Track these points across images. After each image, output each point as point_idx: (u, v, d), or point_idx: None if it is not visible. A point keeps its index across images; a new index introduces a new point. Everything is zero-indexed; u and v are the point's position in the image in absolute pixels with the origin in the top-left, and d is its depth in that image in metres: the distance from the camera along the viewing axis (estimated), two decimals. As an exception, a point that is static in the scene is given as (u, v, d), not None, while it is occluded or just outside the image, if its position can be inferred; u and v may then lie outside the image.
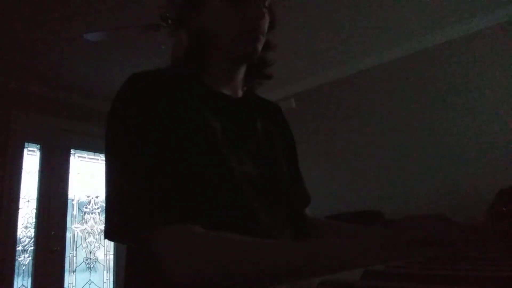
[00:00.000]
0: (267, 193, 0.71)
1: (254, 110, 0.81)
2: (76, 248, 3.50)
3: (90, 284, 3.52)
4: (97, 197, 3.74)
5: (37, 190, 3.28)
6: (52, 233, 3.26)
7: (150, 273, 0.60)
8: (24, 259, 3.13)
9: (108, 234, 0.59)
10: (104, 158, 0.63)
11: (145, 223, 0.55)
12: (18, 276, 3.06)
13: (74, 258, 3.47)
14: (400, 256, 0.46)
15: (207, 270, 0.53)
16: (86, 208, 3.64)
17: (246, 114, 0.77)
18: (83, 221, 3.60)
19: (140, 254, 0.63)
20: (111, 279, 3.67)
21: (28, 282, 3.10)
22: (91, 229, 3.65)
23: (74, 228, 3.52)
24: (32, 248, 3.17)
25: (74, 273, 3.44)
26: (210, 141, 0.65)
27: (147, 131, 0.60)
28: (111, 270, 3.69)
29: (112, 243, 3.74)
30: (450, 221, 0.54)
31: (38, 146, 3.37)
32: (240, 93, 0.79)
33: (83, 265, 3.52)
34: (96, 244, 3.66)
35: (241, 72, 0.78)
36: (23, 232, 3.16)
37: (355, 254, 0.50)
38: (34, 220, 3.22)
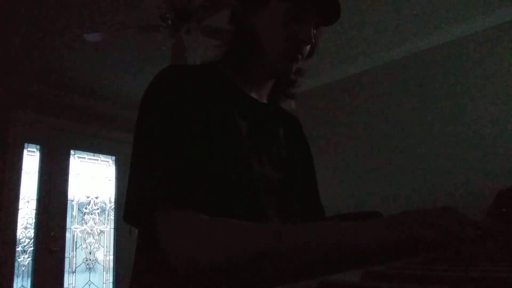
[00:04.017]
0: (282, 198, 0.72)
1: (278, 118, 0.83)
2: (76, 248, 3.50)
3: (89, 285, 3.52)
4: (96, 197, 3.74)
5: (37, 190, 3.27)
6: (52, 233, 3.26)
7: (159, 263, 0.59)
8: (24, 259, 3.13)
9: (125, 215, 0.61)
10: (132, 143, 0.64)
11: (157, 203, 0.56)
12: (17, 277, 3.05)
13: (74, 258, 3.46)
14: (406, 238, 0.44)
15: (208, 256, 0.53)
16: (85, 208, 3.64)
17: (270, 120, 0.79)
18: (83, 221, 3.60)
19: (151, 242, 0.62)
20: (111, 280, 3.66)
21: (27, 282, 3.10)
22: (91, 230, 3.65)
23: (74, 228, 3.52)
24: (32, 248, 3.17)
25: (74, 273, 3.43)
26: (235, 138, 0.67)
27: (176, 119, 0.61)
28: (111, 270, 3.69)
29: (111, 244, 3.74)
30: (463, 215, 0.48)
31: (38, 147, 3.37)
32: (265, 101, 0.81)
33: (83, 265, 3.52)
34: (96, 245, 3.66)
35: (271, 82, 0.81)
36: (22, 232, 3.15)
37: (361, 233, 0.48)
38: (33, 220, 3.22)
